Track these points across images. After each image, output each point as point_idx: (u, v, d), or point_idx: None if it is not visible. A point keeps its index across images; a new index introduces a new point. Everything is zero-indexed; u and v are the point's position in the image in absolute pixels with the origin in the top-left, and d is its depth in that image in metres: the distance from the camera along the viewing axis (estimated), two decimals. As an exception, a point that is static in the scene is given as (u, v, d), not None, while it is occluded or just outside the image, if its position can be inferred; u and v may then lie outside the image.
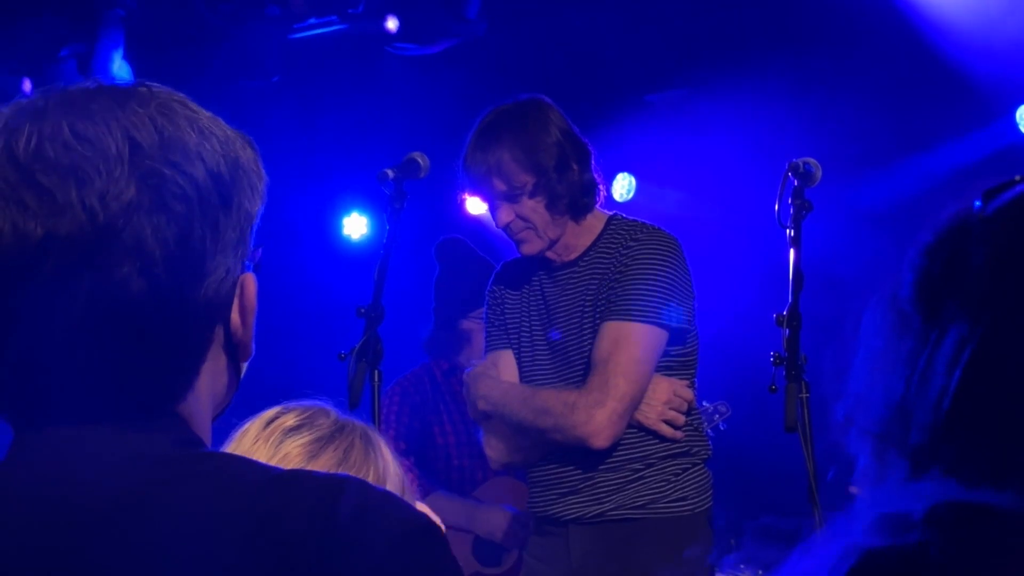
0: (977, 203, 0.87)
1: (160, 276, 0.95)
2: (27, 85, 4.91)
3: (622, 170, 5.51)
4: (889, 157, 4.77)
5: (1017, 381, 0.81)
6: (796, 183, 2.88)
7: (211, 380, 1.04)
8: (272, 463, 1.52)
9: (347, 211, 5.90)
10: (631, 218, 3.01)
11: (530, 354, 3.01)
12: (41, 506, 0.95)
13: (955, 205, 0.90)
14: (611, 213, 3.02)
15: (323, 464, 1.59)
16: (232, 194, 1.01)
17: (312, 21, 4.77)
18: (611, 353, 2.81)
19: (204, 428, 1.05)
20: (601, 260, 2.94)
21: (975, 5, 4.28)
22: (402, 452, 3.83)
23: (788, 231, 2.86)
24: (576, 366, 2.93)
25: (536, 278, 3.03)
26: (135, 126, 0.97)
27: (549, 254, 2.97)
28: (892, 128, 4.70)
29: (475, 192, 2.98)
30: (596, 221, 2.98)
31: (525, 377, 3.00)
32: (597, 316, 2.89)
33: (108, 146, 0.95)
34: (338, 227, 5.93)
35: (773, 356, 2.78)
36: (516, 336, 3.03)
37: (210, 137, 1.01)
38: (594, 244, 2.96)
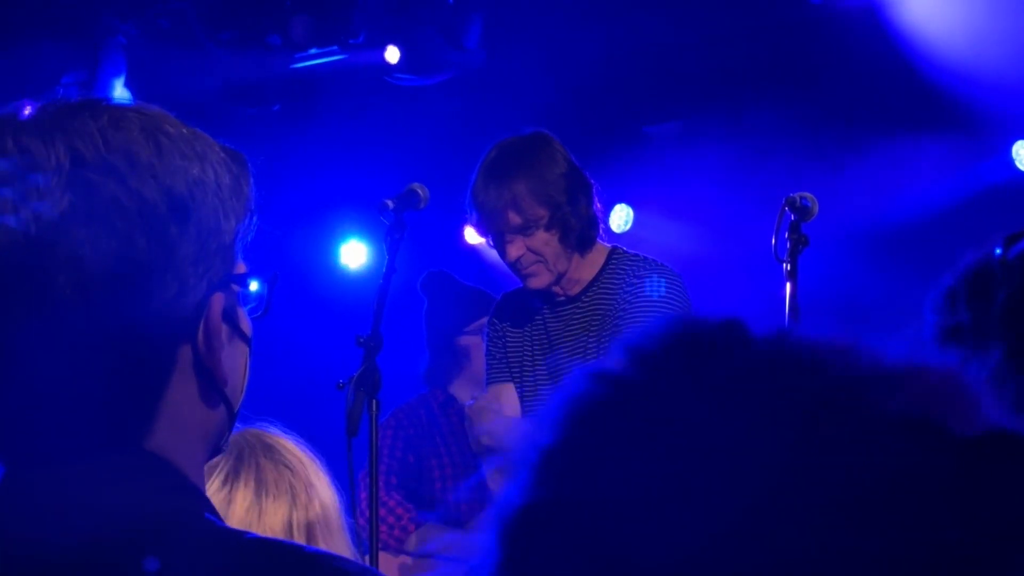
0: (998, 249, 0.90)
1: (100, 292, 0.93)
2: (28, 112, 4.92)
3: (619, 201, 5.52)
4: (886, 192, 4.79)
5: None
6: (793, 217, 2.90)
7: (190, 410, 1.00)
8: None
9: (345, 239, 5.91)
10: (632, 252, 3.03)
11: (532, 388, 3.01)
12: None
13: (975, 251, 0.92)
14: (612, 246, 3.04)
15: (242, 503, 1.55)
16: (188, 209, 0.97)
17: (313, 51, 4.80)
18: None
19: (191, 464, 1.01)
20: (604, 295, 2.95)
21: (972, 40, 4.31)
22: (393, 486, 3.82)
23: (785, 265, 2.88)
24: None
25: (538, 312, 3.04)
26: (80, 137, 0.95)
27: (554, 288, 2.98)
28: (889, 163, 4.72)
29: (484, 227, 2.96)
30: (598, 255, 3.00)
31: (527, 411, 3.01)
32: (601, 351, 2.90)
33: (48, 157, 0.94)
34: (335, 256, 5.93)
35: (769, 389, 2.78)
36: (518, 369, 3.04)
37: (168, 151, 0.98)
38: (597, 278, 2.98)
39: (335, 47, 4.78)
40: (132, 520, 0.93)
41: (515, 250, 2.90)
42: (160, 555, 0.92)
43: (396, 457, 3.88)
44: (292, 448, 1.63)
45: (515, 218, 2.89)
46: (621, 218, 5.53)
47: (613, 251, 3.02)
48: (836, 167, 4.62)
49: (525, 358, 3.03)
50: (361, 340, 2.91)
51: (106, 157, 0.95)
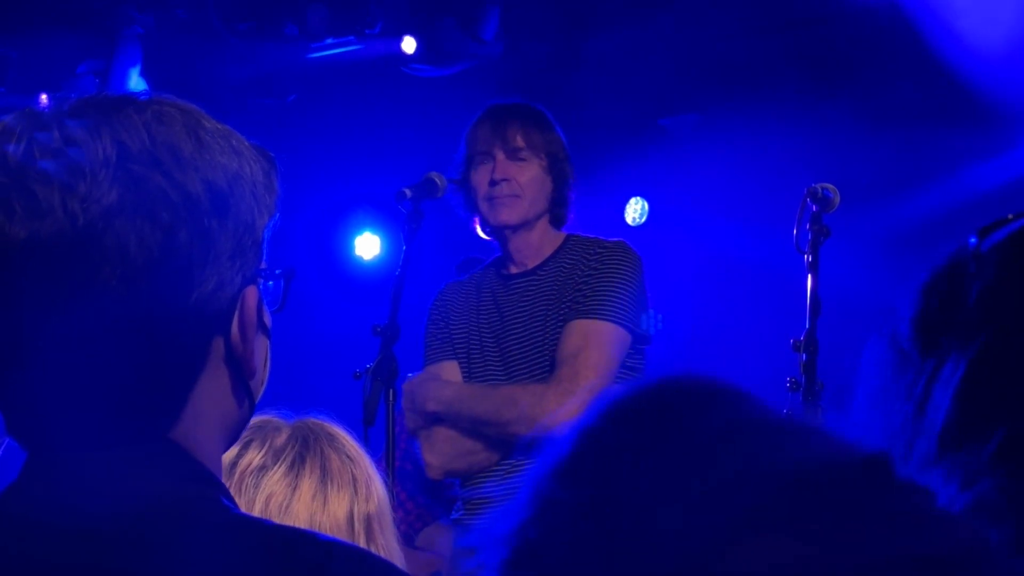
0: (972, 240, 0.88)
1: (143, 283, 0.94)
2: (44, 101, 4.93)
3: (635, 194, 5.51)
4: (908, 183, 4.76)
5: (1006, 400, 0.81)
6: (815, 208, 2.88)
7: (216, 401, 1.01)
8: (256, 508, 1.49)
9: (359, 231, 5.91)
10: (587, 236, 3.09)
11: (481, 364, 2.98)
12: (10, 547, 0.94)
13: (952, 243, 0.90)
14: (568, 233, 3.08)
15: (307, 491, 1.53)
16: (228, 204, 0.98)
17: (329, 41, 4.79)
18: (582, 348, 2.83)
19: (211, 456, 1.02)
20: (562, 270, 2.98)
21: (996, 28, 4.27)
22: (407, 473, 3.81)
23: (806, 257, 2.86)
24: (535, 374, 2.91)
25: (488, 290, 3.04)
26: (127, 131, 0.96)
27: (514, 247, 2.97)
28: (912, 153, 4.70)
29: (478, 149, 2.98)
30: (557, 237, 3.05)
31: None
32: (560, 322, 2.91)
33: (95, 150, 0.94)
34: (350, 247, 5.93)
35: (790, 381, 2.77)
36: (464, 348, 3.02)
37: (210, 147, 0.99)
38: (553, 256, 3.01)
39: (351, 37, 4.77)
40: (150, 506, 0.94)
41: (502, 172, 2.93)
42: (178, 540, 0.93)
43: (413, 444, 3.88)
44: (350, 440, 1.61)
45: (518, 140, 2.94)
46: (636, 211, 5.51)
47: (570, 236, 3.07)
48: (858, 159, 4.59)
49: (472, 336, 3.00)
50: (378, 329, 2.90)
51: (152, 151, 0.96)
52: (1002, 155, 4.69)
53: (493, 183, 2.93)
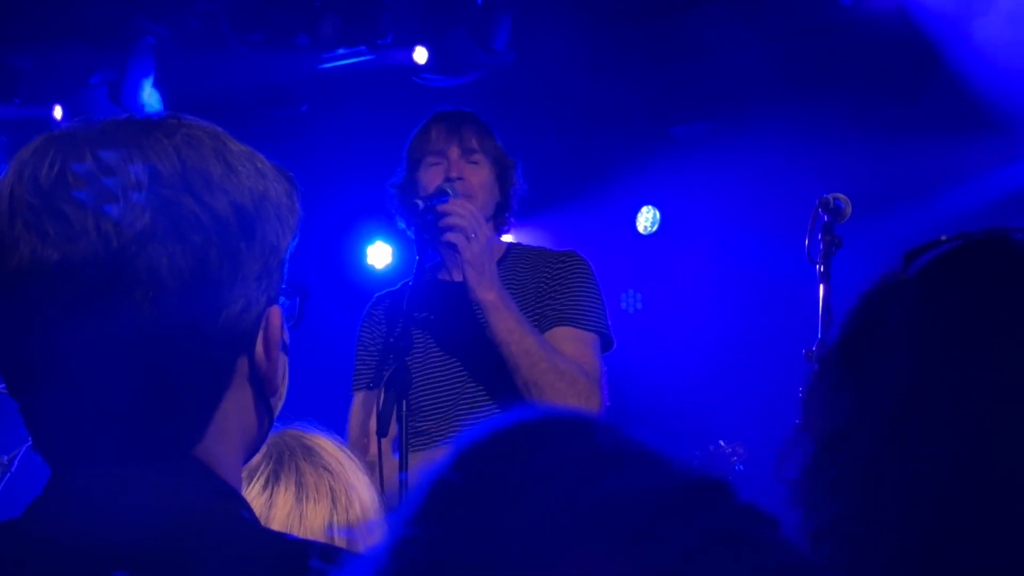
0: (901, 265, 0.88)
1: (174, 305, 0.95)
2: (58, 112, 4.95)
3: (646, 203, 5.51)
4: (920, 192, 4.76)
5: (920, 441, 0.81)
6: (826, 219, 2.88)
7: (239, 418, 1.03)
8: None
9: (371, 240, 5.91)
10: (529, 245, 3.10)
11: (421, 375, 2.93)
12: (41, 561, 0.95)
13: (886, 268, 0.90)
14: (508, 242, 3.08)
15: (283, 507, 1.56)
16: (255, 226, 1.00)
17: (341, 51, 4.80)
18: (584, 356, 2.83)
19: (232, 471, 1.03)
20: (514, 279, 2.96)
21: (1007, 37, 4.27)
22: None
23: (818, 267, 2.86)
24: (483, 381, 2.88)
25: (431, 299, 2.98)
26: (157, 155, 0.97)
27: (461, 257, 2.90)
28: (923, 163, 4.69)
29: (429, 150, 2.98)
30: (500, 246, 3.05)
31: (422, 397, 2.93)
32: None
33: (128, 174, 0.96)
34: (362, 256, 5.93)
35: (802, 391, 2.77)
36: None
37: (237, 169, 1.00)
38: (500, 265, 2.97)
39: (363, 47, 4.78)
40: (174, 522, 0.95)
41: (457, 170, 2.92)
42: (202, 555, 0.93)
43: None
44: (331, 449, 1.63)
45: (472, 141, 2.94)
46: (648, 220, 5.51)
47: (513, 244, 3.08)
48: (870, 169, 4.59)
49: (416, 350, 2.91)
50: (391, 340, 2.89)
51: (182, 175, 0.98)
52: (1014, 163, 4.68)
53: (448, 181, 2.92)
